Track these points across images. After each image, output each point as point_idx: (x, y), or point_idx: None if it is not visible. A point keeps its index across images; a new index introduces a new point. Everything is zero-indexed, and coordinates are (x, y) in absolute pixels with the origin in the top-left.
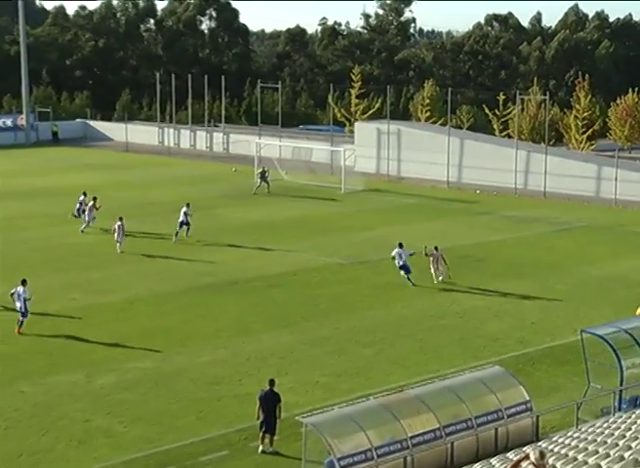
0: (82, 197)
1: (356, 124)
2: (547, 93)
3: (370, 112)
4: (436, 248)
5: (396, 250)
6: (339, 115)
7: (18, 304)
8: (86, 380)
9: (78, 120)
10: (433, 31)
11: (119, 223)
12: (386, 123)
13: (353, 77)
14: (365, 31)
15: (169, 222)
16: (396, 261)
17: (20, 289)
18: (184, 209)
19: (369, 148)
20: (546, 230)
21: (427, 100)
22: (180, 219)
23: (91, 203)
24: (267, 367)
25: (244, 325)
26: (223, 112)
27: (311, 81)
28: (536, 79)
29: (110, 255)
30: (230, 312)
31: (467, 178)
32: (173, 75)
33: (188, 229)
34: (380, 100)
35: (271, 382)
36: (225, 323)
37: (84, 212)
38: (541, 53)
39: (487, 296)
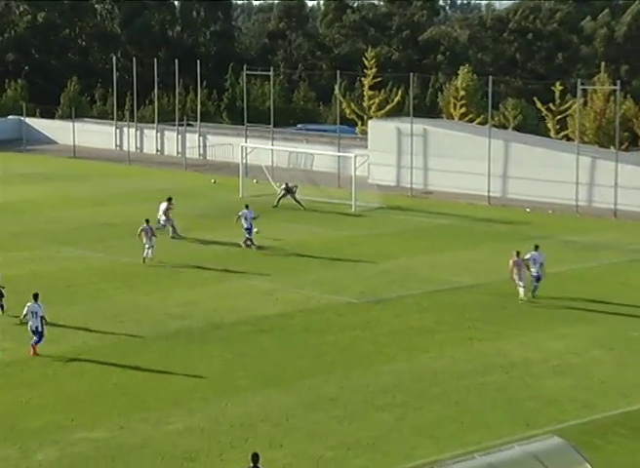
0: (165, 204)
1: (370, 122)
2: (618, 82)
3: (388, 107)
4: (518, 253)
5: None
6: (347, 111)
7: (34, 323)
8: (20, 456)
9: (11, 117)
10: (469, 4)
11: (145, 226)
12: (409, 121)
13: (366, 62)
14: (381, 3)
15: (128, 249)
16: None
17: (35, 305)
18: (164, 205)
19: (386, 154)
20: (618, 260)
21: (462, 92)
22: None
23: (164, 205)
24: (256, 437)
25: (227, 382)
26: (199, 107)
27: (312, 67)
28: (603, 64)
29: (49, 291)
30: (210, 365)
31: (514, 193)
32: (134, 60)
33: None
34: (400, 92)
35: (255, 458)
36: (203, 379)
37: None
38: (610, 30)
39: (542, 346)
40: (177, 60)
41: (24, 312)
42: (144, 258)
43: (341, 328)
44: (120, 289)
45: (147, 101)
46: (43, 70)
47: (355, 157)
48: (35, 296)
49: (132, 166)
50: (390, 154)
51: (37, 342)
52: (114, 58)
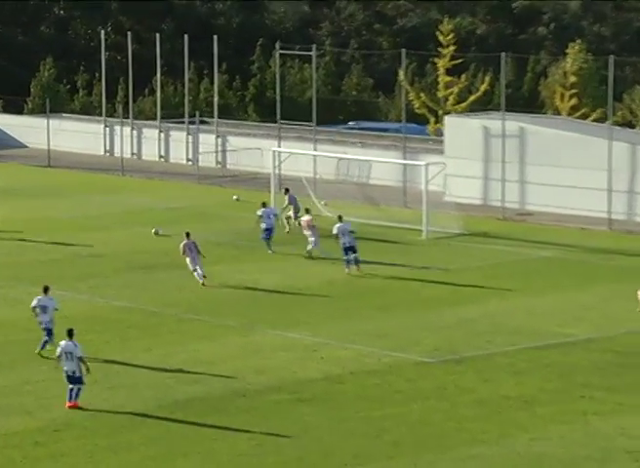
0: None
1: (446, 119)
2: None
3: (471, 99)
4: None
5: None
6: (416, 104)
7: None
8: None
9: None
10: None
11: (186, 241)
12: (499, 117)
13: (441, 38)
14: None
15: (120, 289)
16: None
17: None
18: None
19: (469, 162)
20: None
21: (572, 78)
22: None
23: (307, 218)
24: None
25: None
26: (217, 99)
27: (368, 45)
28: None
29: (14, 346)
30: (232, 447)
31: None
32: (128, 34)
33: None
34: (487, 78)
35: None
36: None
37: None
38: None
39: None
40: (185, 36)
41: (57, 353)
42: (202, 283)
43: (409, 396)
44: (111, 343)
45: (147, 91)
46: (7, 48)
47: (427, 166)
48: (70, 333)
49: (126, 177)
50: (474, 162)
51: (77, 394)
52: (102, 32)
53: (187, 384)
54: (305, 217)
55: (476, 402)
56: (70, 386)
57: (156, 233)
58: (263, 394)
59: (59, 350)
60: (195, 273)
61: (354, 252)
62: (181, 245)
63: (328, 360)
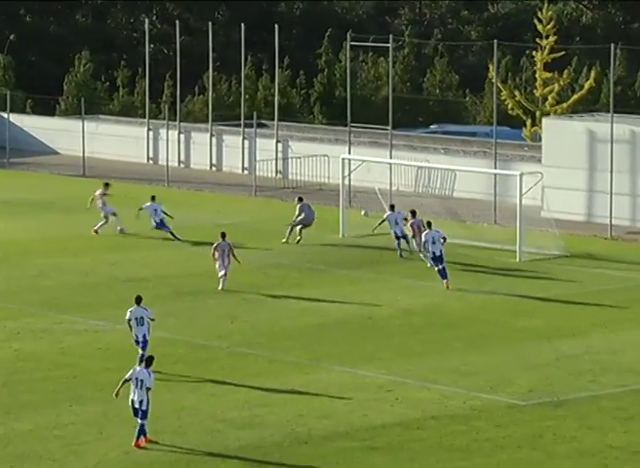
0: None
1: (545, 121)
2: None
3: (574, 97)
4: None
5: None
6: (509, 104)
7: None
8: None
9: None
10: None
11: (220, 242)
12: (608, 120)
13: (540, 27)
14: None
15: (164, 317)
16: None
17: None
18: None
19: (571, 171)
20: None
21: None
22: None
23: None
24: None
25: None
26: (278, 99)
27: (454, 36)
28: None
29: (43, 383)
30: None
31: None
32: (177, 24)
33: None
34: (593, 74)
35: None
36: None
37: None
38: None
39: None
40: (242, 25)
41: (126, 377)
42: (222, 288)
43: (498, 445)
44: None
45: (197, 89)
46: (37, 41)
47: (521, 176)
48: (138, 300)
49: (172, 188)
50: (577, 172)
51: (141, 431)
52: (146, 21)
53: (240, 428)
54: (412, 220)
55: (577, 452)
56: (140, 352)
57: (365, 214)
58: (329, 440)
59: (129, 315)
60: (221, 280)
61: (442, 262)
62: (213, 246)
63: (404, 402)
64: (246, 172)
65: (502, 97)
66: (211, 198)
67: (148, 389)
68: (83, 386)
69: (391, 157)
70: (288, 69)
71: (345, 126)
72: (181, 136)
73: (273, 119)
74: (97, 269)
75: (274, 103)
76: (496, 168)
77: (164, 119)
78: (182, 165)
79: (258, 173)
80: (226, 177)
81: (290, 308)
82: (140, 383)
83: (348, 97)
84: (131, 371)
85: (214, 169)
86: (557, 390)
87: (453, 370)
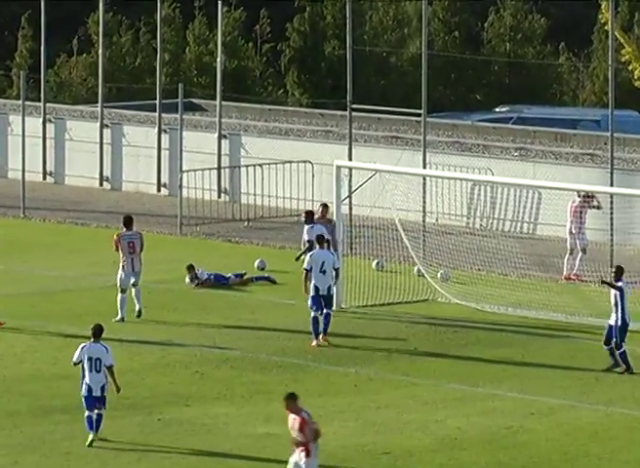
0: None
1: None
2: None
3: None
4: None
5: None
6: (636, 70)
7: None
8: None
9: None
10: None
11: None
12: None
13: None
14: None
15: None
16: None
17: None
18: None
19: None
20: None
21: None
22: None
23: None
24: None
25: None
26: (221, 60)
27: None
28: None
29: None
30: None
31: None
32: None
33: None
34: None
35: None
36: None
37: None
38: None
39: None
40: None
41: (74, 360)
42: None
43: None
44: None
45: (76, 43)
46: None
47: None
48: (97, 337)
49: (30, 221)
50: None
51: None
52: None
53: None
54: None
55: None
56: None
57: (379, 266)
58: None
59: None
60: None
61: None
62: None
63: None
64: (164, 191)
65: (624, 58)
66: (97, 241)
67: (109, 367)
68: None
69: (425, 165)
70: (240, 7)
71: (341, 109)
72: (50, 126)
73: (213, 97)
74: None
75: (215, 70)
76: (613, 184)
77: (18, 98)
78: (51, 179)
79: (186, 193)
80: (129, 201)
81: None
82: (96, 363)
83: (348, 56)
84: (78, 352)
85: (106, 185)
86: None
87: None
